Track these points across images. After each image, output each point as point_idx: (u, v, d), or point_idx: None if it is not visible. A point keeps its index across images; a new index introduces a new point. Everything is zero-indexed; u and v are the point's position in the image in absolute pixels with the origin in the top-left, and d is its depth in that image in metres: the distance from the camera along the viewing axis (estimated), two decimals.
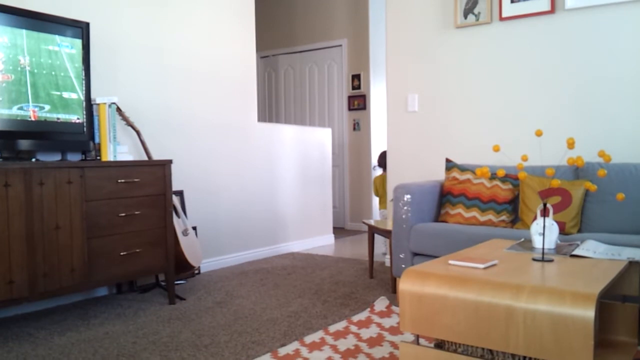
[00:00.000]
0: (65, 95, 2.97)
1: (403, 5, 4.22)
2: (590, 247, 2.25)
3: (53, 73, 2.91)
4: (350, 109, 6.65)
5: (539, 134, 2.23)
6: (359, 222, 6.61)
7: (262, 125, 4.82)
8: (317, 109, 6.94)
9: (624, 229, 2.95)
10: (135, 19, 3.73)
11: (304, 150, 5.31)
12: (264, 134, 4.84)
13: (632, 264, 2.22)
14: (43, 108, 2.87)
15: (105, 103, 3.17)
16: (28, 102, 2.82)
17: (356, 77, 6.58)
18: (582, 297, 1.56)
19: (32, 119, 2.85)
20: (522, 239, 2.57)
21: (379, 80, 6.56)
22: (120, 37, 3.64)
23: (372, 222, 3.90)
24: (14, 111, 2.75)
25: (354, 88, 6.60)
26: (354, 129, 6.64)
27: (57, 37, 2.93)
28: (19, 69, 2.77)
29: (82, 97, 3.06)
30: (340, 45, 6.69)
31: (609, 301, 2.29)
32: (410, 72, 4.21)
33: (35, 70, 2.83)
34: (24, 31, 2.78)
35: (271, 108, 7.37)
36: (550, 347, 1.59)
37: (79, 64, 3.05)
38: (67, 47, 2.99)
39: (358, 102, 6.58)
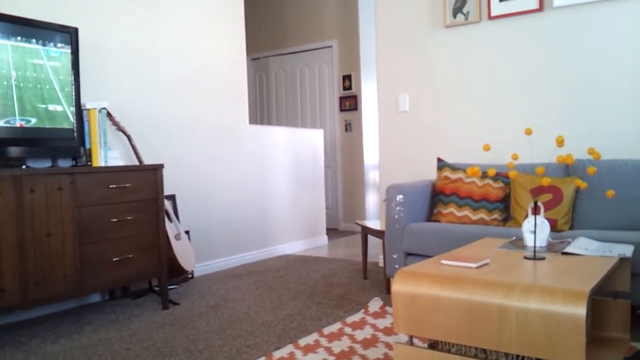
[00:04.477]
0: (51, 107, 2.96)
1: (392, 6, 4.23)
2: (582, 245, 2.26)
3: (38, 86, 2.90)
4: (341, 110, 6.65)
5: (528, 132, 2.24)
6: (353, 223, 6.61)
7: (253, 127, 4.82)
8: (309, 111, 6.94)
9: (615, 225, 2.97)
10: (125, 22, 3.72)
11: (296, 152, 5.31)
12: (256, 136, 4.83)
13: (623, 260, 2.23)
14: (30, 121, 2.86)
15: (95, 108, 3.16)
16: (15, 116, 2.80)
17: (347, 78, 6.59)
18: (574, 295, 1.57)
19: None
20: (514, 238, 2.58)
21: (369, 81, 6.56)
22: (110, 41, 3.62)
23: (365, 223, 3.90)
24: (1, 124, 2.74)
25: (345, 89, 6.61)
26: (346, 129, 6.64)
27: (42, 50, 2.91)
28: (5, 82, 2.76)
29: (68, 110, 3.05)
30: (331, 46, 6.69)
31: (601, 298, 2.31)
32: (401, 72, 4.22)
33: (22, 84, 2.82)
34: (9, 45, 2.76)
35: (262, 110, 7.36)
36: (543, 345, 1.59)
37: (63, 76, 3.03)
38: (56, 54, 2.98)
39: (349, 102, 6.58)
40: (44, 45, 2.94)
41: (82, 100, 3.43)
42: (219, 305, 3.31)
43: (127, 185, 3.09)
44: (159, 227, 3.26)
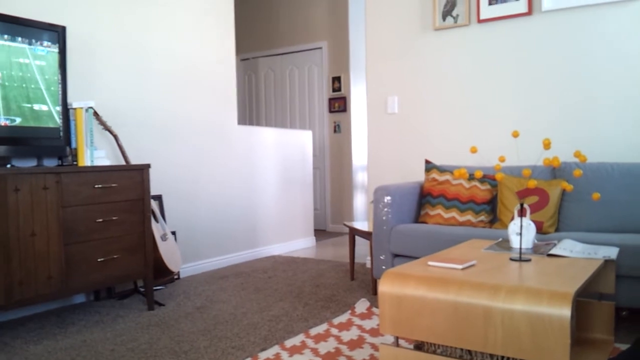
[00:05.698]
0: (36, 107, 2.93)
1: (382, 8, 4.24)
2: (567, 247, 2.28)
3: (24, 85, 2.87)
4: (330, 111, 6.65)
5: (515, 135, 2.25)
6: (341, 224, 6.61)
7: (242, 128, 4.80)
8: (298, 112, 6.93)
9: (601, 228, 2.99)
10: (114, 21, 3.69)
11: (284, 153, 5.30)
12: (245, 137, 4.82)
13: (607, 262, 2.25)
14: (14, 120, 2.83)
15: (82, 107, 3.13)
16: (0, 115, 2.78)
17: (336, 80, 6.59)
18: (559, 296, 1.58)
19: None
20: (500, 239, 2.59)
21: (359, 83, 6.56)
22: (99, 39, 3.59)
23: (353, 224, 3.90)
24: None
25: (334, 90, 6.61)
26: (335, 131, 6.64)
27: (28, 49, 2.88)
28: None
29: (53, 109, 3.02)
30: (321, 48, 6.69)
31: (586, 299, 2.32)
32: (390, 74, 4.22)
33: (6, 83, 2.79)
34: None
35: (251, 111, 7.34)
36: (528, 346, 1.60)
37: (49, 75, 3.00)
38: (42, 53, 2.95)
39: (338, 104, 6.58)
40: (30, 44, 2.91)
41: (70, 99, 3.40)
42: (204, 306, 3.29)
43: (113, 185, 3.06)
44: (145, 228, 3.24)
